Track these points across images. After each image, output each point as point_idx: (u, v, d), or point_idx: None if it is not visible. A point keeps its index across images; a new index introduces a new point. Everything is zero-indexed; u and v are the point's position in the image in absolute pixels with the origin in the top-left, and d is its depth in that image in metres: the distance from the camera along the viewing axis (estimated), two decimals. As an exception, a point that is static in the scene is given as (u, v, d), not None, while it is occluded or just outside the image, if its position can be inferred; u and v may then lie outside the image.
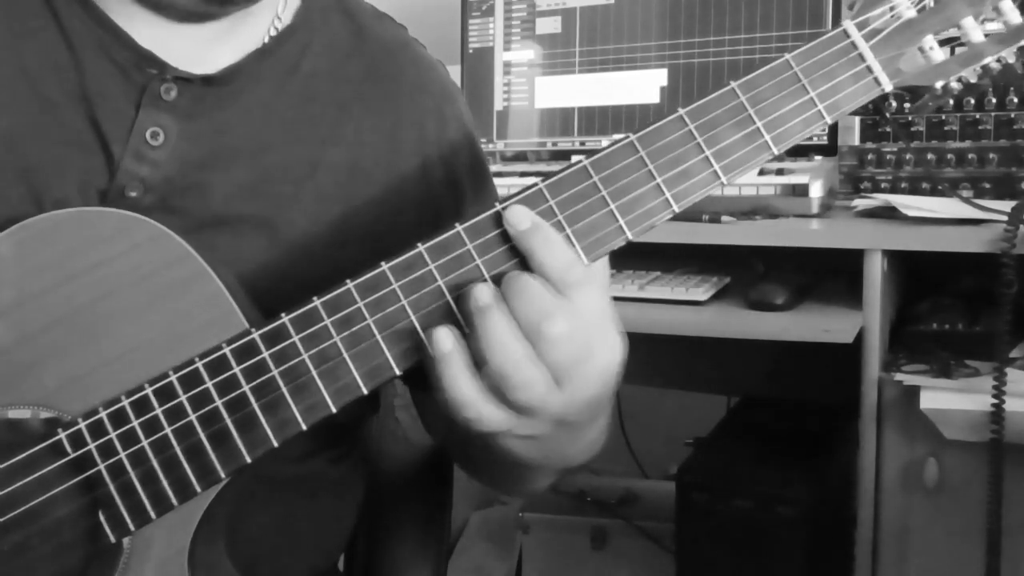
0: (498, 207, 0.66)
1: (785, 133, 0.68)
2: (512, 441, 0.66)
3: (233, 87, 0.82)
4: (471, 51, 1.95)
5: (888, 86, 0.69)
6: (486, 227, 0.66)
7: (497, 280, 0.64)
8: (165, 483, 0.67)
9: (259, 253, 0.80)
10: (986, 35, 0.70)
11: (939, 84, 0.71)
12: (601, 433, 0.73)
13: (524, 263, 0.65)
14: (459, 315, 0.65)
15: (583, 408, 0.66)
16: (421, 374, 0.67)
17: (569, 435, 0.69)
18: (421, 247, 0.66)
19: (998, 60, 0.70)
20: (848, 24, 0.69)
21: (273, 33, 0.85)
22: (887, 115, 1.41)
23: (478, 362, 0.63)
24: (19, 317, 0.69)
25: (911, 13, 0.70)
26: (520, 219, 0.64)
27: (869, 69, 0.69)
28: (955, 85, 0.71)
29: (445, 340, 0.62)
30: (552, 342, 0.61)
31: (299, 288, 0.68)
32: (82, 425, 0.67)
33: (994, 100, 1.42)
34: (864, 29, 0.69)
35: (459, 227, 0.66)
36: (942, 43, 0.70)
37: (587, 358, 0.63)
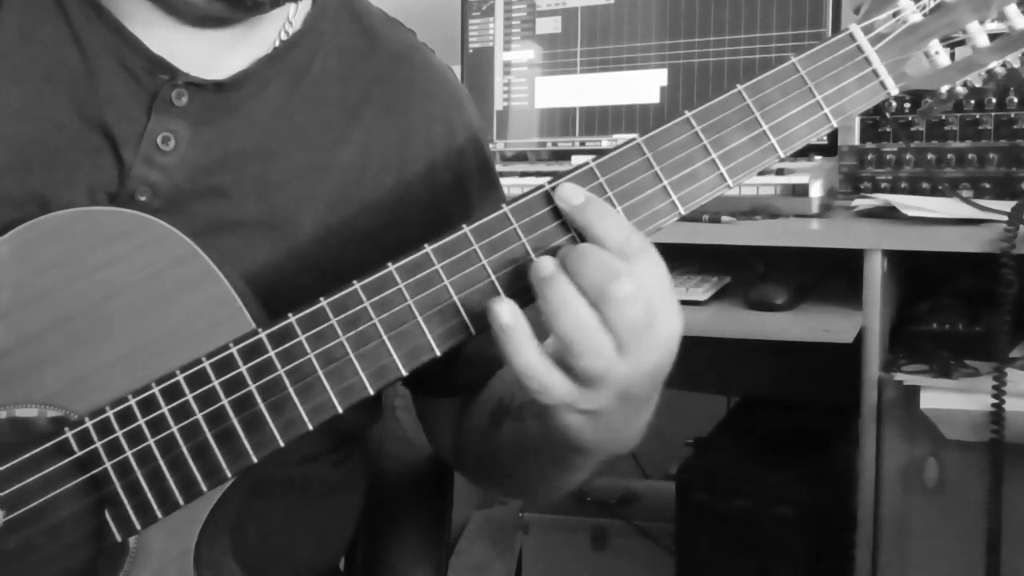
0: (516, 199, 0.66)
1: (791, 136, 0.68)
2: (573, 418, 0.65)
3: (244, 92, 0.82)
4: (471, 51, 1.95)
5: (894, 90, 0.69)
6: (494, 227, 0.66)
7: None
8: (171, 482, 0.67)
9: (267, 255, 0.80)
10: (991, 39, 0.70)
11: (944, 88, 0.71)
12: (650, 416, 0.72)
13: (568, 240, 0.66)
14: (464, 313, 0.66)
15: (646, 379, 0.65)
16: (428, 381, 0.67)
17: (629, 411, 0.67)
18: (428, 248, 0.66)
19: (1003, 64, 0.70)
20: (854, 28, 0.70)
21: (284, 38, 0.85)
22: (887, 115, 1.42)
23: (541, 335, 0.63)
24: (26, 316, 0.70)
25: (916, 17, 0.70)
26: (573, 194, 0.65)
27: (875, 73, 0.69)
28: (960, 89, 0.71)
29: (504, 312, 0.62)
30: (619, 304, 0.61)
31: (306, 290, 0.68)
32: (89, 424, 0.68)
33: (994, 100, 1.42)
34: (870, 33, 0.69)
35: (466, 228, 0.66)
36: (947, 47, 0.70)
37: (651, 324, 0.63)
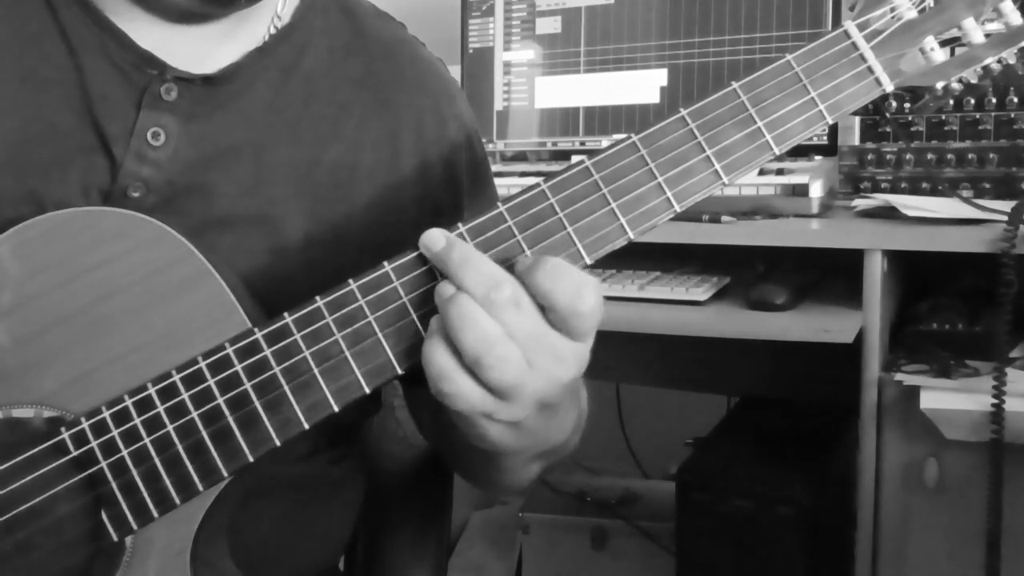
0: (500, 208, 0.66)
1: (786, 133, 0.68)
2: (496, 429, 0.66)
3: (233, 86, 0.82)
4: (471, 51, 1.96)
5: (889, 86, 0.69)
6: (487, 227, 0.67)
7: None
8: (167, 482, 0.67)
9: (261, 253, 0.80)
10: (987, 36, 0.70)
11: (940, 85, 0.71)
12: (582, 414, 0.73)
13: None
14: None
15: (561, 390, 0.66)
16: (416, 371, 0.67)
17: (550, 418, 0.68)
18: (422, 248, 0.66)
19: (999, 61, 0.70)
20: (849, 25, 0.70)
21: (273, 32, 0.85)
22: (887, 115, 1.42)
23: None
24: (22, 317, 0.70)
25: (912, 14, 0.70)
26: (434, 240, 0.65)
27: (870, 70, 0.69)
28: (956, 86, 0.71)
29: (434, 320, 0.64)
30: (510, 307, 0.62)
31: (301, 288, 0.68)
32: (85, 424, 0.68)
33: (994, 100, 1.41)
34: (865, 30, 0.69)
35: (462, 227, 0.66)
36: (943, 44, 0.70)
37: (550, 335, 0.63)
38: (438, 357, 0.63)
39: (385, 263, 0.66)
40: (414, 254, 0.66)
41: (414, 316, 0.66)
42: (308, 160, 0.84)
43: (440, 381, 0.63)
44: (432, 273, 0.66)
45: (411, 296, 0.66)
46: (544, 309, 0.63)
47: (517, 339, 0.62)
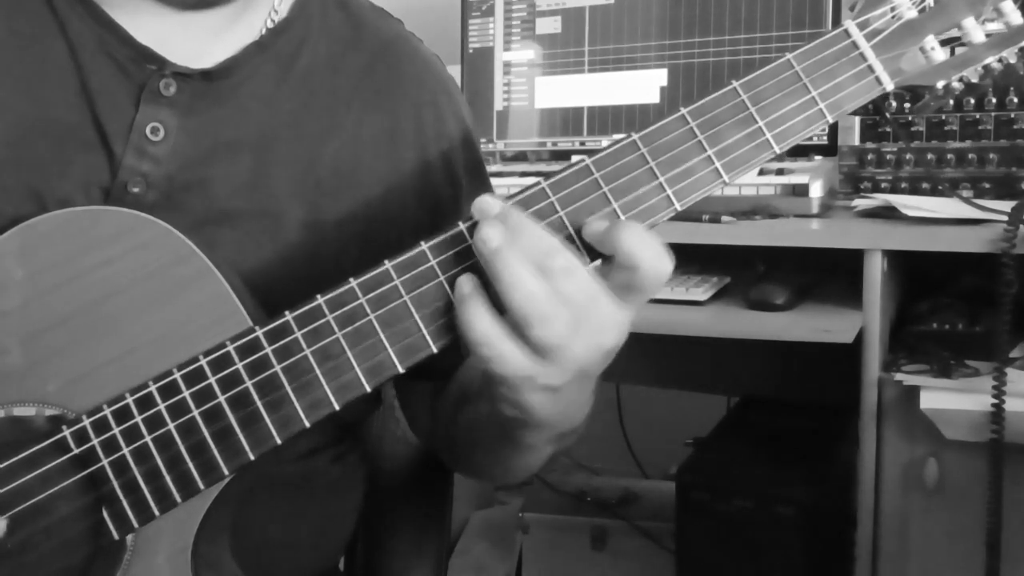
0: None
1: (787, 132, 0.68)
2: (533, 395, 0.66)
3: (231, 81, 0.82)
4: (471, 51, 1.96)
5: (889, 85, 0.70)
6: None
7: None
8: (168, 480, 0.67)
9: (262, 248, 0.80)
10: (987, 35, 0.70)
11: (940, 84, 0.71)
12: (592, 390, 0.73)
13: None
14: None
15: (600, 358, 0.65)
16: (420, 368, 0.67)
17: (583, 386, 0.68)
18: (424, 245, 0.66)
19: (999, 60, 0.70)
20: (849, 24, 0.70)
21: (270, 25, 0.85)
22: (887, 115, 1.42)
23: (500, 308, 0.63)
24: (24, 316, 0.70)
25: (912, 13, 0.70)
26: (489, 206, 0.64)
27: (870, 69, 0.69)
28: (956, 85, 0.71)
29: (465, 283, 0.64)
30: (563, 275, 0.62)
31: (302, 284, 0.68)
32: (86, 422, 0.68)
33: (994, 100, 1.41)
34: (865, 29, 0.69)
35: (462, 225, 0.66)
36: (943, 43, 0.70)
37: (599, 301, 0.64)
38: (480, 321, 0.63)
39: (386, 261, 0.66)
40: (415, 251, 0.66)
41: (415, 315, 0.66)
42: (308, 155, 0.84)
43: (482, 346, 0.63)
44: (433, 271, 0.66)
45: (412, 294, 0.66)
46: (625, 269, 0.63)
47: (566, 303, 0.62)
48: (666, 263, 0.64)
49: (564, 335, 0.63)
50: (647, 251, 0.63)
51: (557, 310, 0.62)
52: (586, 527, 1.90)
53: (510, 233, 0.63)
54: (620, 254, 0.63)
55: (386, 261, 0.66)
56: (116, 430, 0.68)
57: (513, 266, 0.62)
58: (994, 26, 0.71)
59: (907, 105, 1.45)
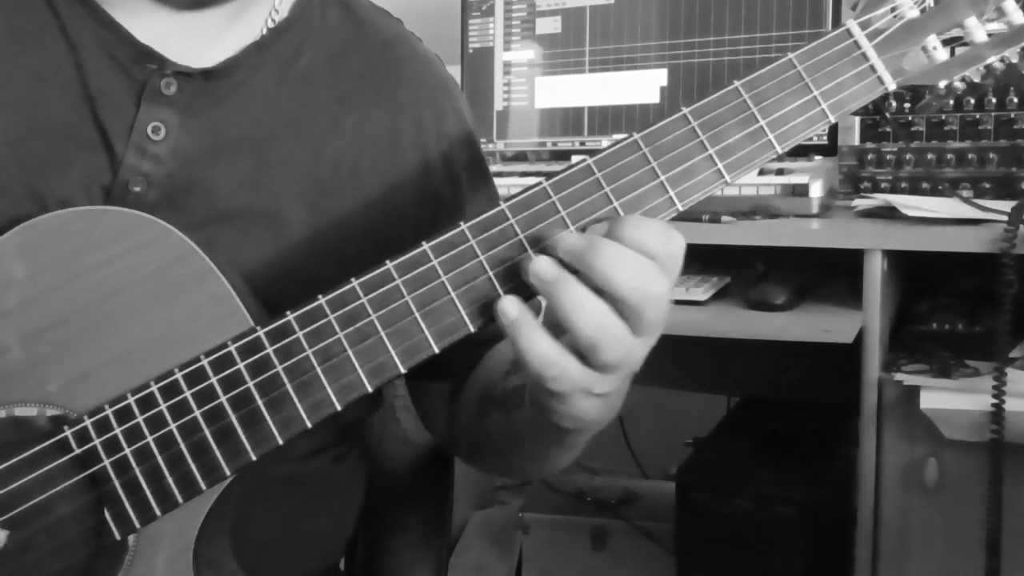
0: (502, 205, 0.66)
1: (789, 132, 0.68)
2: (588, 402, 0.65)
3: (232, 80, 0.82)
4: (471, 51, 1.96)
5: (891, 85, 0.70)
6: (491, 223, 0.67)
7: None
8: (170, 480, 0.67)
9: (263, 248, 0.80)
10: (989, 35, 0.70)
11: (942, 83, 0.71)
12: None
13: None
14: (461, 310, 0.66)
15: (643, 355, 0.65)
16: (427, 367, 0.67)
17: (625, 384, 0.68)
18: (426, 245, 0.66)
19: (1001, 60, 0.70)
20: (851, 24, 0.70)
21: (271, 25, 0.85)
22: (887, 115, 1.42)
23: (555, 331, 0.63)
24: (26, 316, 0.70)
25: (914, 13, 0.70)
26: (545, 268, 0.63)
27: (872, 68, 0.69)
28: (958, 84, 0.71)
29: (510, 307, 0.63)
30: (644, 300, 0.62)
31: (303, 283, 0.68)
32: (88, 423, 0.68)
33: (994, 100, 1.42)
34: (867, 29, 0.69)
35: (463, 225, 0.66)
36: (945, 43, 0.70)
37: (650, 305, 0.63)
38: (540, 344, 0.62)
39: (387, 261, 0.66)
40: (416, 251, 0.66)
41: (416, 314, 0.66)
42: (309, 154, 0.84)
43: (547, 367, 0.63)
44: (434, 271, 0.66)
45: (413, 295, 0.66)
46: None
47: (624, 317, 0.62)
48: (676, 240, 0.63)
49: (629, 350, 0.63)
50: (653, 238, 0.63)
51: (620, 330, 0.62)
52: (586, 527, 1.90)
53: (590, 252, 0.62)
54: (632, 247, 0.63)
55: (387, 261, 0.66)
56: (118, 430, 0.68)
57: (576, 292, 0.62)
58: (996, 25, 0.71)
59: (907, 105, 1.45)
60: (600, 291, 0.62)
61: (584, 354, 0.62)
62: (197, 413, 0.67)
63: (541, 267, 0.63)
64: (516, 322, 0.63)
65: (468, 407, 0.88)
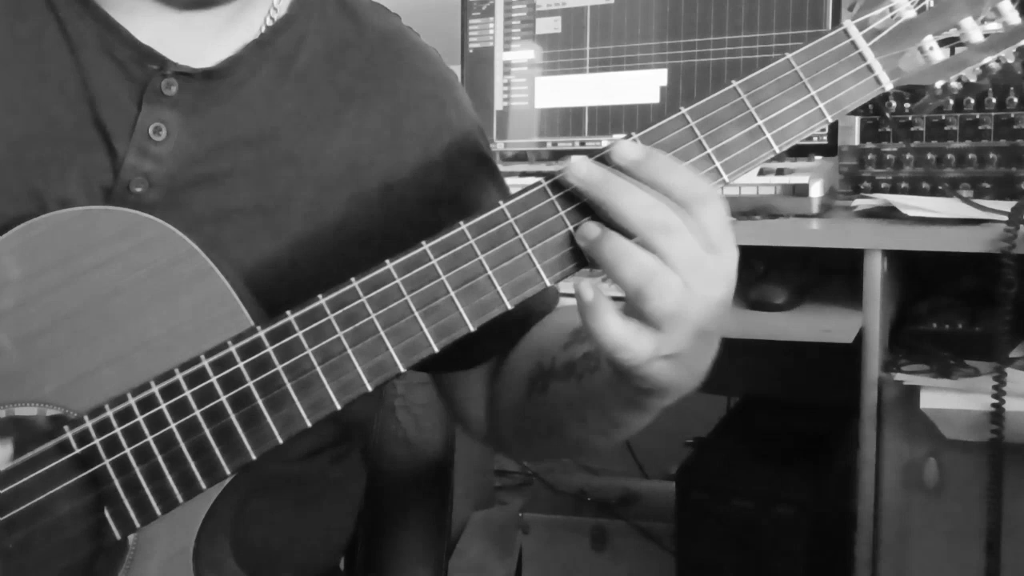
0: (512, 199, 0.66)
1: (787, 131, 0.68)
2: (657, 365, 0.65)
3: (233, 79, 0.82)
4: (471, 51, 1.96)
5: (888, 85, 0.70)
6: (490, 223, 0.67)
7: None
8: (170, 480, 0.67)
9: (264, 246, 0.81)
10: (985, 35, 0.70)
11: (939, 84, 0.71)
12: (716, 349, 0.71)
13: None
14: (461, 310, 0.66)
15: (715, 312, 0.65)
16: (444, 356, 0.67)
17: (702, 346, 0.67)
18: (426, 245, 0.66)
19: (997, 60, 0.70)
20: (848, 24, 0.70)
21: (270, 23, 0.85)
22: (887, 115, 1.42)
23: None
24: (26, 316, 0.70)
25: (911, 14, 0.70)
26: (630, 150, 0.65)
27: (869, 68, 0.69)
28: (955, 85, 0.71)
29: (588, 289, 0.63)
30: (663, 234, 0.63)
31: (303, 283, 0.69)
32: (88, 423, 0.68)
33: (994, 100, 1.42)
34: (864, 29, 0.70)
35: (463, 225, 0.66)
36: (942, 43, 0.70)
37: (708, 256, 0.64)
38: (614, 327, 0.63)
39: (387, 260, 0.66)
40: (416, 251, 0.66)
41: (415, 314, 0.66)
42: (310, 151, 0.84)
43: (620, 350, 0.63)
44: (434, 271, 0.66)
45: (413, 294, 0.66)
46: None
47: (672, 264, 0.62)
48: (700, 184, 0.64)
49: (680, 300, 0.63)
50: (675, 180, 0.64)
51: (669, 278, 0.62)
52: (586, 527, 1.90)
53: (604, 194, 0.63)
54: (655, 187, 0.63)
55: (387, 261, 0.66)
56: (118, 430, 0.68)
57: (620, 244, 0.63)
58: (992, 26, 0.71)
59: (907, 105, 1.45)
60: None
61: (634, 306, 0.63)
62: (197, 412, 0.67)
63: (588, 226, 0.64)
64: (591, 304, 0.63)
65: (516, 386, 0.87)
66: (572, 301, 0.65)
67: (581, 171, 0.65)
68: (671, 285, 0.62)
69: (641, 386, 0.67)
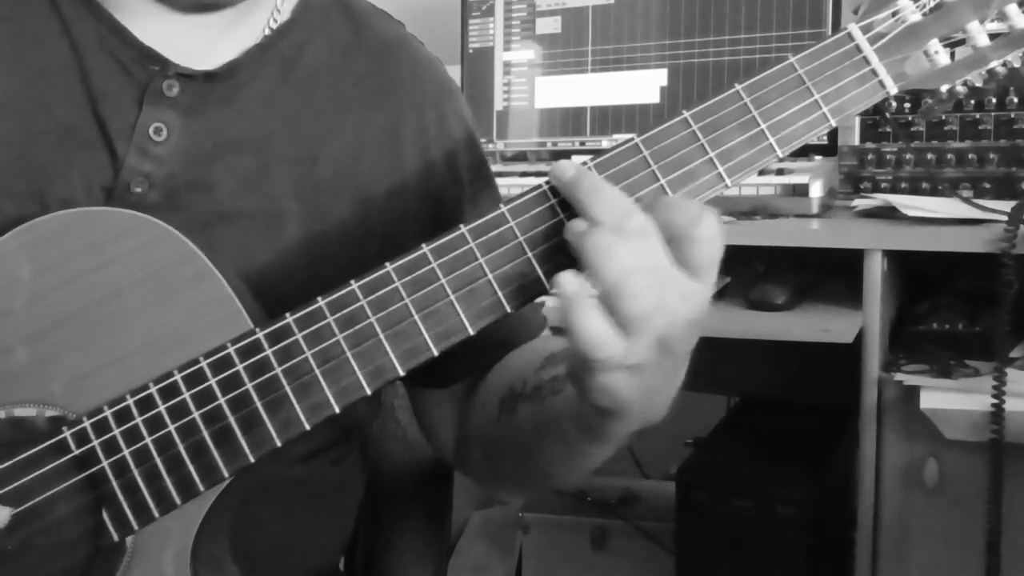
0: (503, 209, 0.66)
1: (790, 135, 0.68)
2: (619, 376, 0.64)
3: (234, 82, 0.82)
4: (471, 51, 1.95)
5: (893, 89, 0.69)
6: (491, 226, 0.66)
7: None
8: (168, 482, 0.67)
9: (263, 249, 0.80)
10: (991, 39, 0.70)
11: (944, 88, 0.71)
12: (679, 383, 0.71)
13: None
14: (460, 313, 0.66)
15: (682, 329, 0.64)
16: (420, 373, 0.67)
17: (667, 367, 0.66)
18: (425, 248, 0.66)
19: (1004, 64, 0.70)
20: (853, 27, 0.69)
21: (273, 27, 0.85)
22: (887, 115, 1.42)
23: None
24: (26, 316, 0.70)
25: (916, 17, 0.70)
26: (564, 169, 0.65)
27: (874, 72, 0.69)
28: (960, 89, 0.71)
29: (571, 280, 0.62)
30: (640, 235, 0.62)
31: (303, 285, 0.68)
32: (87, 423, 0.68)
33: (994, 100, 1.42)
34: (869, 32, 0.69)
35: (463, 228, 0.66)
36: (947, 47, 0.70)
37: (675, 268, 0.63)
38: (593, 321, 0.62)
39: (387, 263, 0.66)
40: (416, 254, 0.66)
41: (415, 317, 0.66)
42: (310, 155, 0.84)
43: (595, 349, 0.62)
44: (434, 274, 0.66)
45: (412, 297, 0.66)
46: (666, 241, 0.63)
47: (646, 270, 0.62)
48: (702, 228, 0.62)
49: (652, 305, 0.62)
50: (676, 219, 0.62)
51: (645, 280, 0.61)
52: (586, 527, 1.90)
53: (586, 196, 0.63)
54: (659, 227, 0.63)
55: (387, 263, 0.66)
56: (116, 431, 0.68)
57: (600, 238, 0.62)
58: (998, 26, 0.71)
59: (907, 105, 1.45)
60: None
61: (608, 301, 0.62)
62: (196, 415, 0.67)
63: (575, 222, 0.63)
64: (573, 295, 0.62)
65: (488, 409, 0.87)
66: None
67: (567, 174, 0.65)
68: (647, 286, 0.62)
69: (599, 402, 0.66)
